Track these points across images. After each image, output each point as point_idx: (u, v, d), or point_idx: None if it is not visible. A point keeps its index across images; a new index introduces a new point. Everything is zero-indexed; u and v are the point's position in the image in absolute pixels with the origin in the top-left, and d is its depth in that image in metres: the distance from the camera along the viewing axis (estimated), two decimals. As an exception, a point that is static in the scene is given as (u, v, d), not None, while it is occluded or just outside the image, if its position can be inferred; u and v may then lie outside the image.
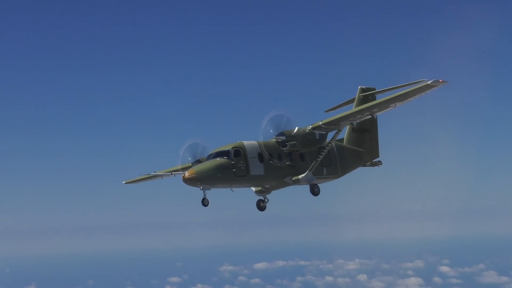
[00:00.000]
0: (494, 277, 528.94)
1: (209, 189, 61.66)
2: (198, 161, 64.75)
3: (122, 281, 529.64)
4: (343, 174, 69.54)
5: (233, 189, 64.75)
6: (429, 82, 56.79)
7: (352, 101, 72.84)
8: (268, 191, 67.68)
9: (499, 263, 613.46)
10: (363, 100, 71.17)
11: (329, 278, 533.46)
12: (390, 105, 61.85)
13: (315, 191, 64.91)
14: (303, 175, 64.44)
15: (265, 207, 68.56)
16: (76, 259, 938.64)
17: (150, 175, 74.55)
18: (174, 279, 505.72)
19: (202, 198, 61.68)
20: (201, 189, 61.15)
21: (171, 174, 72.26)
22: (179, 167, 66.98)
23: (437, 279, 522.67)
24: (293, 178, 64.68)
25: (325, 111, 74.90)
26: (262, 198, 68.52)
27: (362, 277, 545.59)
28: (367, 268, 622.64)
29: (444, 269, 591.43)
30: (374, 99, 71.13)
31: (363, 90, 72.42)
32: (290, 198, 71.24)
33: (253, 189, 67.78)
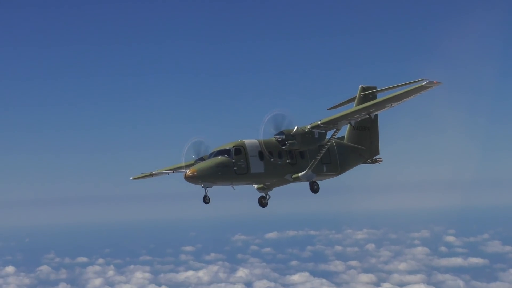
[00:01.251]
0: (498, 247, 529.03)
1: (210, 187, 61.56)
2: (201, 159, 64.64)
3: (138, 250, 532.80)
4: (343, 172, 69.49)
5: (234, 186, 64.37)
6: (423, 84, 56.84)
7: (353, 99, 72.57)
8: (269, 188, 67.66)
9: (503, 233, 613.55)
10: (364, 98, 71.01)
11: (338, 247, 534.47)
12: (387, 105, 62.12)
13: (314, 188, 65.19)
14: (303, 173, 64.54)
15: (267, 203, 68.63)
16: (93, 229, 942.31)
17: (152, 173, 75.13)
18: (188, 248, 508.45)
19: (203, 196, 61.70)
20: (202, 187, 61.07)
21: (173, 172, 72.72)
22: (182, 164, 66.82)
23: (443, 248, 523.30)
24: (293, 176, 64.79)
25: (328, 109, 74.94)
26: (263, 194, 68.48)
27: (370, 246, 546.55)
28: (375, 237, 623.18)
29: (450, 238, 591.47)
30: (375, 97, 71.12)
31: (363, 89, 72.12)
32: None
33: (255, 186, 67.61)
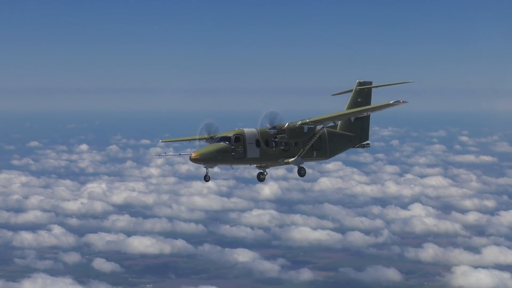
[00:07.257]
0: (506, 147, 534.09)
1: (212, 168, 64.87)
2: (211, 138, 67.00)
3: (195, 133, 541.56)
4: (332, 156, 71.48)
5: (233, 167, 67.43)
6: (390, 102, 59.91)
7: (352, 90, 74.14)
8: (266, 167, 70.12)
9: (510, 135, 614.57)
10: (360, 92, 72.96)
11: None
12: (363, 114, 66.36)
13: (301, 173, 67.85)
14: (293, 159, 67.21)
15: (264, 178, 71.17)
16: (155, 115, 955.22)
17: (160, 156, 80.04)
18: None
19: (204, 175, 65.29)
20: (204, 167, 64.40)
21: (179, 155, 76.26)
22: (197, 137, 69.70)
23: (457, 147, 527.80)
24: (285, 160, 67.47)
25: (332, 95, 76.98)
26: (261, 171, 70.93)
27: (395, 142, 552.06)
28: (398, 135, 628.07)
29: (464, 138, 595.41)
30: (370, 91, 73.38)
31: (360, 84, 73.35)
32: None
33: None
